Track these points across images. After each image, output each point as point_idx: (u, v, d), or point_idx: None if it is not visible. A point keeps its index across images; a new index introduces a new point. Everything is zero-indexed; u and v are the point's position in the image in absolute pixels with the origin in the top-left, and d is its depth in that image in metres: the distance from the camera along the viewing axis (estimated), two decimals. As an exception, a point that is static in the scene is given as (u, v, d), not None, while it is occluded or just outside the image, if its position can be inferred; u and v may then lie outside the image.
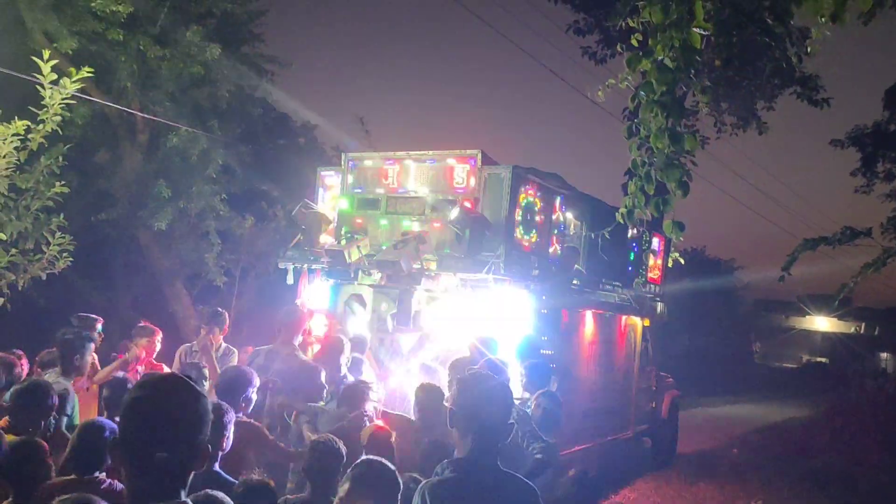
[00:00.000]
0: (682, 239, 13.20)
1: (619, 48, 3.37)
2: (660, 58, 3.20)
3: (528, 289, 7.37)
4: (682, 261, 13.97)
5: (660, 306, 11.24)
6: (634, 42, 3.51)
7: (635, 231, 9.32)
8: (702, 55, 3.15)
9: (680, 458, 12.05)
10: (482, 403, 2.85)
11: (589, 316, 8.92)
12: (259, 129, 13.49)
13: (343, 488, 3.40)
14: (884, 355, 40.97)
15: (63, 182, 7.79)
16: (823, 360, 40.36)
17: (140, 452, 1.83)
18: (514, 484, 2.89)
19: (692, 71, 3.17)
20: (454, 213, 7.05)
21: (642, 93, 3.32)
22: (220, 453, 4.06)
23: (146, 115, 11.11)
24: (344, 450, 4.04)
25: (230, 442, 4.15)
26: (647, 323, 10.51)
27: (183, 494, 1.87)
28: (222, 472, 3.85)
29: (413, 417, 5.40)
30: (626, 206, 3.62)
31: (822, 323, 42.67)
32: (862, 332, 42.00)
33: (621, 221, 3.78)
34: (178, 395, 1.90)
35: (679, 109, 3.24)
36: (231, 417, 4.18)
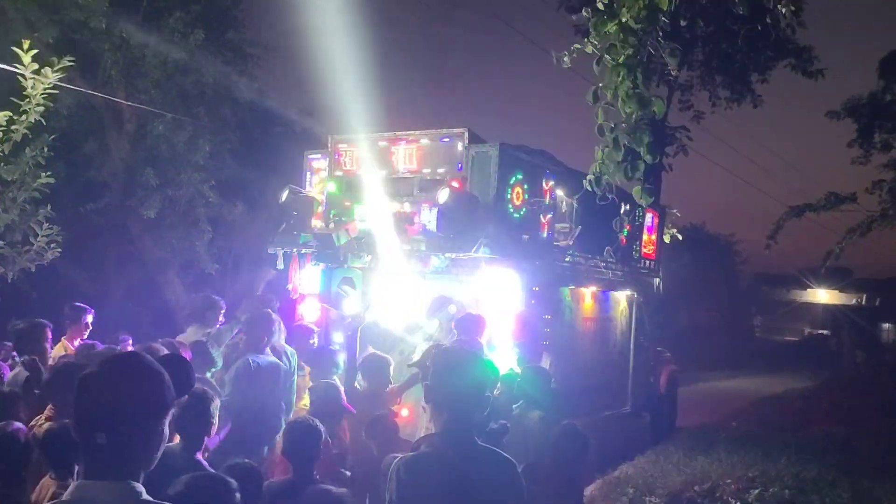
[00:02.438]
0: (678, 215, 13.06)
1: (584, 12, 3.25)
2: (624, 19, 3.14)
3: (519, 267, 7.34)
4: (681, 237, 13.94)
5: (656, 281, 11.22)
6: (600, 5, 3.44)
7: (627, 206, 9.28)
8: (667, 17, 3.10)
9: (679, 432, 12.05)
10: (455, 378, 2.81)
11: (581, 292, 8.90)
12: (248, 116, 13.41)
13: None
14: (885, 326, 41.00)
15: (49, 173, 7.74)
16: (825, 332, 40.39)
17: (86, 432, 1.78)
18: (491, 458, 2.85)
19: (659, 33, 3.11)
20: (443, 195, 6.98)
21: (607, 56, 3.26)
22: (207, 440, 4.01)
23: (131, 104, 11.04)
24: (322, 428, 4.02)
25: (216, 430, 4.12)
26: (641, 298, 10.50)
27: (134, 477, 1.81)
28: (203, 462, 3.80)
29: None
30: (593, 173, 3.56)
31: (823, 295, 42.68)
32: (863, 303, 42.00)
33: (589, 189, 3.73)
34: (133, 377, 1.84)
35: (645, 72, 3.19)
36: (217, 405, 4.14)
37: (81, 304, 7.00)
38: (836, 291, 41.60)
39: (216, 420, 4.03)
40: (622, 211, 9.06)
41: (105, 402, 1.79)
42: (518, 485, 2.83)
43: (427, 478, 2.71)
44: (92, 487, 1.77)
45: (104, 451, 1.77)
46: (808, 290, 42.29)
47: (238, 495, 3.04)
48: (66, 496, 1.78)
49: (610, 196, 3.71)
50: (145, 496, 1.81)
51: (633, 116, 3.24)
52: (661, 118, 20.34)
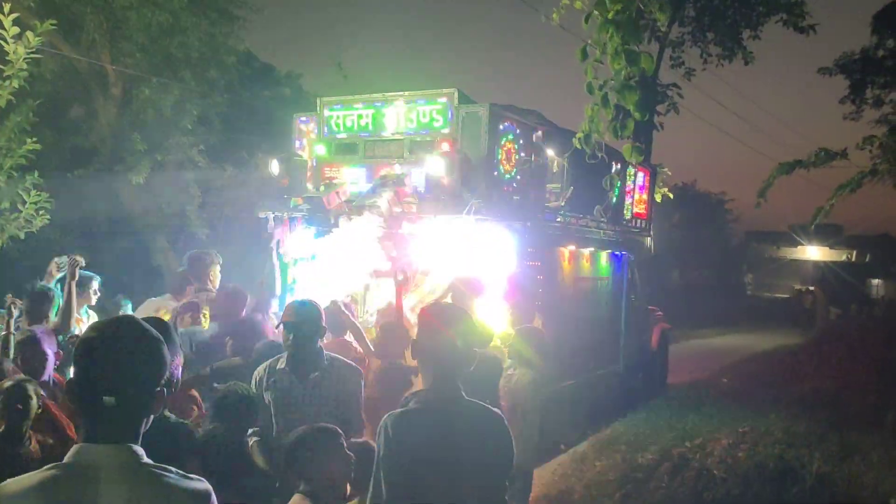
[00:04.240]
0: (669, 174, 13.00)
1: (574, -33, 3.19)
2: (613, -25, 3.10)
3: (511, 228, 7.34)
4: (672, 196, 13.94)
5: (647, 240, 11.26)
6: (588, -39, 3.39)
7: (618, 165, 9.26)
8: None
9: (670, 390, 12.19)
10: (442, 333, 2.82)
11: (573, 252, 8.91)
12: (235, 79, 13.24)
13: None
14: (875, 281, 41.20)
15: (35, 139, 7.62)
16: (814, 288, 40.60)
17: (87, 395, 1.80)
18: (479, 413, 2.87)
19: (648, -12, 3.07)
20: (432, 158, 6.94)
21: (596, 12, 3.22)
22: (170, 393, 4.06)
23: (116, 68, 10.87)
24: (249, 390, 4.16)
25: (178, 384, 4.17)
26: (632, 257, 10.54)
27: (134, 440, 1.84)
28: (172, 415, 3.86)
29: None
30: (582, 131, 3.54)
31: (813, 252, 42.72)
32: (854, 259, 42.10)
33: (578, 147, 3.71)
34: (131, 341, 1.86)
35: (634, 29, 3.15)
36: (179, 361, 4.17)
37: (86, 272, 6.87)
38: (827, 248, 41.67)
39: (179, 373, 4.09)
40: (613, 170, 9.03)
41: (111, 366, 1.81)
42: (506, 438, 2.86)
43: (415, 433, 2.73)
44: (93, 451, 1.79)
45: (106, 414, 1.79)
46: (799, 246, 42.30)
47: (343, 441, 3.29)
48: (67, 459, 1.79)
49: (600, 154, 3.69)
50: (145, 459, 1.83)
51: (623, 73, 3.21)
52: (652, 75, 20.21)
